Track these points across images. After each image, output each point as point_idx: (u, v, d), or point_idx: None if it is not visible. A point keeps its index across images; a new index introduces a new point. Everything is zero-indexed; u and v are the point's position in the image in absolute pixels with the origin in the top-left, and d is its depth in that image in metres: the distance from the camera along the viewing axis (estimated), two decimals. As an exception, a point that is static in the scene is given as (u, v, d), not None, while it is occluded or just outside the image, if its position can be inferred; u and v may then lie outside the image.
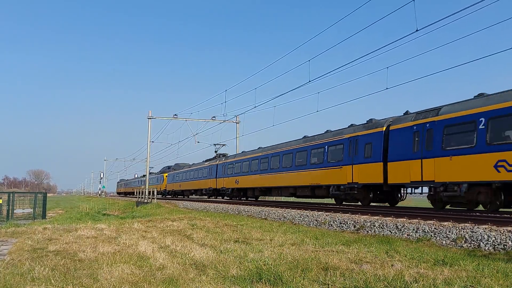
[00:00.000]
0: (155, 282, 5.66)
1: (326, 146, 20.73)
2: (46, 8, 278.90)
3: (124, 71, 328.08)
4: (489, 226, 9.22)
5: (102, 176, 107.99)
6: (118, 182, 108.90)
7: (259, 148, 30.23)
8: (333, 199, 21.74)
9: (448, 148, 13.98)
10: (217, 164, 36.75)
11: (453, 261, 6.76)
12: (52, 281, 5.75)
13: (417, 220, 11.14)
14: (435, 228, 9.78)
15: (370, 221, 11.92)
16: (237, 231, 11.95)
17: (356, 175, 18.32)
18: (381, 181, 16.92)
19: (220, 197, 37.63)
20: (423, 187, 15.60)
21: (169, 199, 43.37)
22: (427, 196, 15.59)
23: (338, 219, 13.15)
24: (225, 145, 40.90)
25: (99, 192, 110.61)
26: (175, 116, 40.56)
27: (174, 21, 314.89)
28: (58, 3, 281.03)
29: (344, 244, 8.94)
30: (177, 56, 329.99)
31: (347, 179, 18.90)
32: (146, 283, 5.59)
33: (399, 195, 18.59)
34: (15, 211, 25.88)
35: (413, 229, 10.25)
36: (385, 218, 12.15)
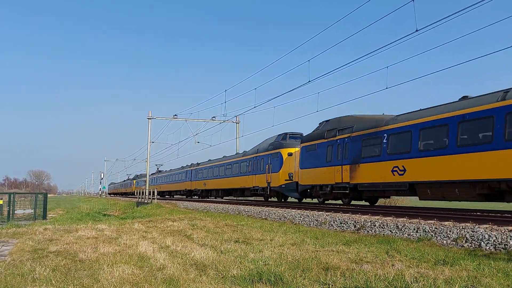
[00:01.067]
0: (156, 283, 5.66)
1: (182, 173, 47.73)
2: (46, 8, 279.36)
3: (124, 71, 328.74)
4: (490, 225, 9.22)
5: (102, 176, 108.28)
6: (109, 185, 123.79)
7: (170, 169, 57.12)
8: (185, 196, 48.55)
9: (218, 174, 36.80)
10: (155, 177, 63.64)
11: (454, 260, 6.75)
12: (53, 281, 5.75)
13: (417, 220, 11.13)
14: (436, 228, 9.77)
15: (370, 221, 11.91)
16: (237, 231, 11.95)
17: (188, 186, 44.69)
18: (191, 188, 43.24)
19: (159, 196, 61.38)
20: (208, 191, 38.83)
21: (167, 200, 44.04)
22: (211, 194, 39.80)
23: (339, 219, 13.14)
24: (162, 164, 70.44)
25: (100, 193, 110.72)
26: (175, 116, 40.48)
27: (174, 21, 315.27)
28: (58, 3, 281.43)
29: (344, 244, 8.94)
30: (177, 56, 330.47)
31: (189, 187, 44.43)
32: (146, 284, 5.59)
33: (201, 195, 41.73)
34: (15, 212, 25.83)
35: (414, 229, 10.24)
36: (385, 218, 12.15)
